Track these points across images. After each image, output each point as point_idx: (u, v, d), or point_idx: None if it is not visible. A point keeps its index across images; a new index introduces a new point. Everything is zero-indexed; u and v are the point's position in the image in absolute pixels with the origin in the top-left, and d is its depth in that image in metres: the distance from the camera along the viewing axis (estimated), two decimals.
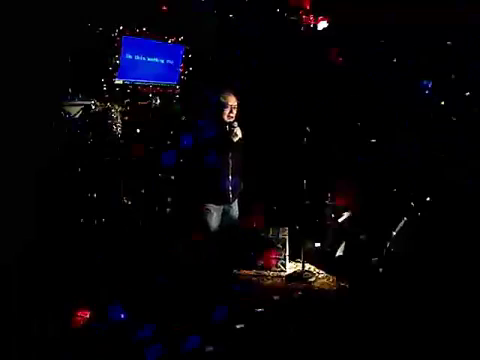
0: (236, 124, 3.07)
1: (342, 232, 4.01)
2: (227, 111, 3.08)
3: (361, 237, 3.82)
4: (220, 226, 3.24)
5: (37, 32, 3.16)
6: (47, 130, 3.34)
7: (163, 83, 4.23)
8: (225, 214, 3.27)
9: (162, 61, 4.12)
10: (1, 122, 3.06)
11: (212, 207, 3.18)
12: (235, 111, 3.12)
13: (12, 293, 2.74)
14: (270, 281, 3.78)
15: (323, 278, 3.79)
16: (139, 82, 4.00)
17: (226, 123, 3.08)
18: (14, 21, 3.08)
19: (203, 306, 3.05)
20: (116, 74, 3.77)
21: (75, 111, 3.65)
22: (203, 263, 3.26)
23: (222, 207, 3.24)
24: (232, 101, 3.11)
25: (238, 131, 3.06)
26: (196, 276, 3.26)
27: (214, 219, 3.20)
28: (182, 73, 4.31)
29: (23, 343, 2.55)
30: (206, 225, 3.19)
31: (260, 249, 3.93)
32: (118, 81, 3.82)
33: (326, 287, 3.64)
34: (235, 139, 3.06)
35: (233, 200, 3.26)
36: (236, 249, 3.52)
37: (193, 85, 4.32)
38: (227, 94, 3.12)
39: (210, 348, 2.65)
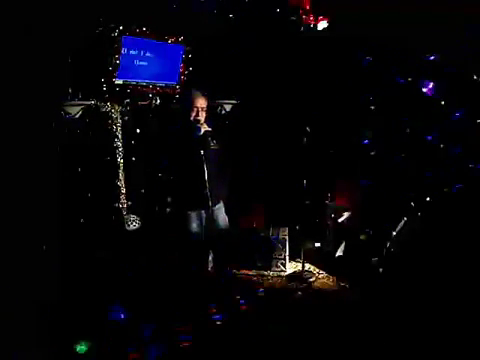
0: (202, 121, 2.94)
1: (342, 232, 4.01)
2: (193, 114, 2.96)
3: (361, 237, 3.82)
4: (206, 231, 3.07)
5: (37, 32, 3.17)
6: (47, 130, 3.34)
7: (163, 83, 4.22)
8: (208, 219, 3.05)
9: (162, 61, 4.12)
10: (1, 122, 3.06)
11: (190, 213, 3.04)
12: (203, 113, 2.98)
13: None
14: (270, 281, 3.78)
15: (323, 278, 3.79)
16: (139, 82, 4.00)
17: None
18: (14, 21, 3.08)
19: (203, 306, 3.05)
20: (116, 74, 3.77)
21: (75, 111, 3.64)
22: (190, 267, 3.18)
23: (202, 212, 3.05)
24: (199, 103, 2.96)
25: (202, 127, 2.92)
26: (194, 278, 3.24)
27: (193, 225, 3.04)
28: (182, 73, 4.30)
29: None
30: (184, 231, 3.06)
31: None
32: (118, 81, 3.81)
33: (326, 287, 3.64)
34: (200, 133, 2.91)
35: (214, 204, 3.03)
36: (231, 251, 3.42)
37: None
38: (195, 95, 2.98)
39: None
